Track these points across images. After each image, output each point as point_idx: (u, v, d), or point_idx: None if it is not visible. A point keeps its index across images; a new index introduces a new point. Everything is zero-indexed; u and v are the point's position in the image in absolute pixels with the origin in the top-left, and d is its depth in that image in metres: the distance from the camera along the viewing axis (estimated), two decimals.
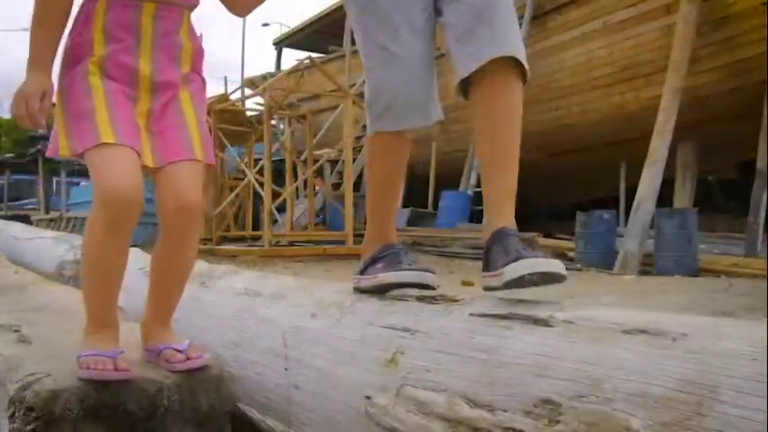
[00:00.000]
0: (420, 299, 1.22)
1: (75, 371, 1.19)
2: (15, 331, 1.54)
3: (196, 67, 1.44)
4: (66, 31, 1.37)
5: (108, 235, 1.27)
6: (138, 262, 2.09)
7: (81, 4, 1.36)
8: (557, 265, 1.15)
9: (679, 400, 0.70)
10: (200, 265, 2.02)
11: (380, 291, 1.36)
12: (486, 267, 1.23)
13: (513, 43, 1.31)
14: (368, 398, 1.08)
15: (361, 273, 1.45)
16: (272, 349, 1.44)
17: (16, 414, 1.08)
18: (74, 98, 1.31)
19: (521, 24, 10.87)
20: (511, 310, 1.01)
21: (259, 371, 1.46)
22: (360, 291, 1.43)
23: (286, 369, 1.37)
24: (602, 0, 9.79)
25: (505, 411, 0.86)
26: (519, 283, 1.12)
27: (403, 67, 1.39)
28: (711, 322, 0.80)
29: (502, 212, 1.32)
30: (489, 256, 1.24)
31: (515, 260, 1.13)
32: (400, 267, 1.38)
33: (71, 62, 1.34)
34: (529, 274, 1.11)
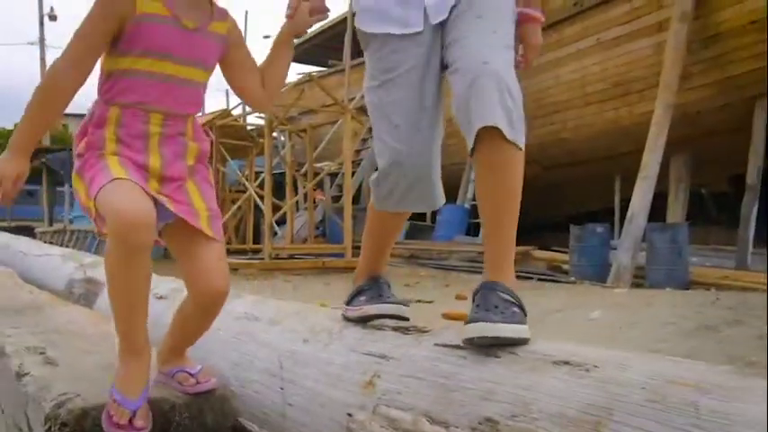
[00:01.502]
0: (395, 329, 1.42)
1: (101, 391, 1.38)
2: (41, 353, 1.73)
3: (201, 160, 1.52)
4: (77, 129, 1.47)
5: (125, 261, 1.30)
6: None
7: (93, 106, 1.46)
8: (516, 330, 1.19)
9: (584, 420, 0.90)
10: None
11: (363, 321, 1.56)
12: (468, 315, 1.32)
13: (500, 112, 1.32)
14: (349, 415, 1.28)
15: (349, 303, 1.65)
16: (269, 370, 1.64)
17: (52, 429, 1.28)
18: (88, 168, 1.40)
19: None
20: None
21: (258, 389, 1.65)
22: (347, 319, 1.62)
23: (281, 388, 1.56)
24: (595, 17, 9.95)
25: (457, 428, 1.05)
26: (470, 342, 1.21)
27: (403, 160, 1.48)
28: (619, 356, 1.00)
29: (493, 268, 1.40)
30: (472, 305, 1.32)
31: (475, 321, 1.20)
32: (380, 300, 1.56)
33: (86, 153, 1.43)
34: (479, 337, 1.18)
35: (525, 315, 1.26)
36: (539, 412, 0.95)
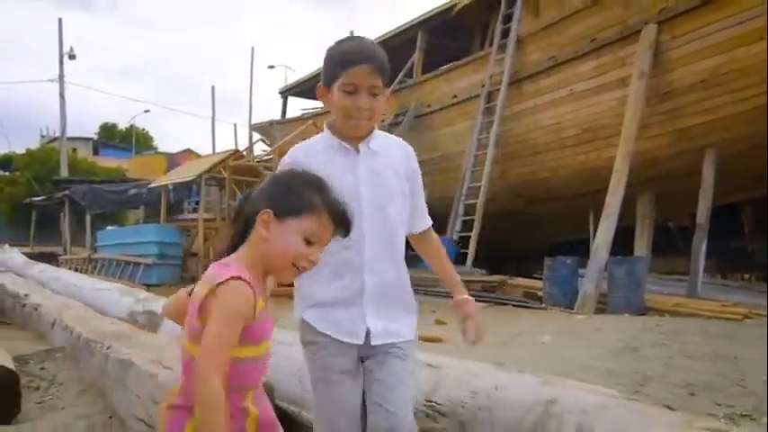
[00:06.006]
0: None
1: None
2: (159, 363, 2.91)
3: None
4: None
5: None
6: None
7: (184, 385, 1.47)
8: None
9: (432, 389, 2.10)
10: None
11: None
12: None
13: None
14: None
15: None
16: (291, 372, 2.82)
17: None
18: None
19: (500, 89, 12.08)
20: None
21: (285, 383, 2.84)
22: None
23: (300, 381, 2.75)
24: (567, 71, 10.82)
25: None
26: None
27: None
28: (467, 365, 2.20)
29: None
30: None
31: None
32: None
33: None
34: None
35: None
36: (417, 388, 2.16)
